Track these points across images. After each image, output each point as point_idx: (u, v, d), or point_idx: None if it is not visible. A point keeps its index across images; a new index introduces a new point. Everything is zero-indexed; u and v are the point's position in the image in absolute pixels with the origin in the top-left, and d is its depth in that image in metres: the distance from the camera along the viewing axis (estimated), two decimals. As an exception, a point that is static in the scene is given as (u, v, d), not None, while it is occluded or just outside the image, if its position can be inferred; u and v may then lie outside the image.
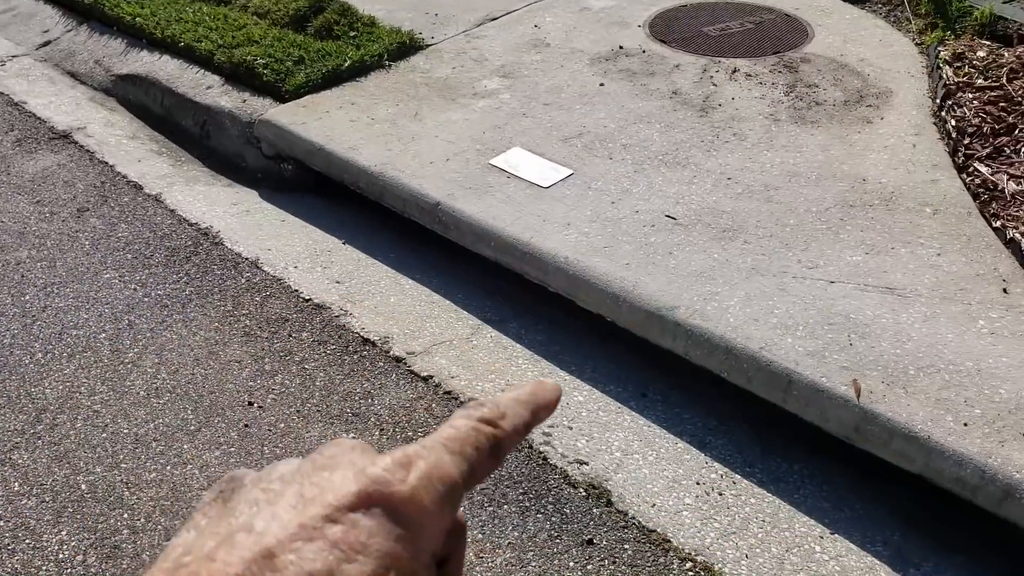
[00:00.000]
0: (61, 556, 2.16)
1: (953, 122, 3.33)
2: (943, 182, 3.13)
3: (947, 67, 3.62)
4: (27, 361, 2.76)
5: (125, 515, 2.26)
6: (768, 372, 2.44)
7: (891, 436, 2.24)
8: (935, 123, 3.45)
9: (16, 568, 2.14)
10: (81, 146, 3.92)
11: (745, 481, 2.40)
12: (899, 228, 2.91)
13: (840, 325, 2.54)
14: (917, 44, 4.03)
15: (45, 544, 2.19)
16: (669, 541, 2.20)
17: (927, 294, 2.64)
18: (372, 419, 2.56)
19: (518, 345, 2.86)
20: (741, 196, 3.10)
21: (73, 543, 2.19)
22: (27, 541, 2.20)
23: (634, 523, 2.24)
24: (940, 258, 2.78)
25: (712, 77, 3.84)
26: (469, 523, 2.24)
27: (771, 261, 2.79)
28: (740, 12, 4.42)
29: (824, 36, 4.14)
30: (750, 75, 3.84)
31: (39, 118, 4.15)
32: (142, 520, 2.25)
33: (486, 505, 2.29)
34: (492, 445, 0.40)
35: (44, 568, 2.14)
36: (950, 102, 3.43)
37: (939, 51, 3.76)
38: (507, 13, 4.54)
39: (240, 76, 3.97)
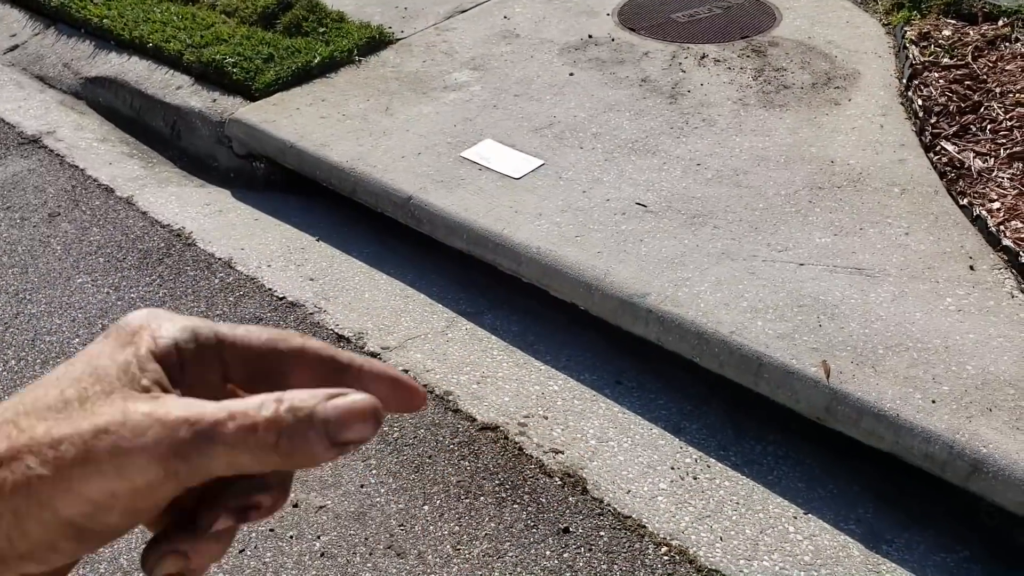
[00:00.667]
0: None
1: (920, 102, 3.35)
2: (910, 161, 3.15)
3: (913, 47, 3.65)
4: (0, 368, 2.75)
5: (102, 519, 2.26)
6: (739, 356, 2.46)
7: (861, 415, 2.27)
8: (902, 103, 3.48)
9: None
10: (51, 150, 3.90)
11: (719, 464, 2.42)
12: (867, 208, 2.94)
13: (809, 307, 2.56)
14: (884, 25, 4.06)
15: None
16: (644, 527, 2.22)
17: (895, 273, 2.66)
18: (348, 415, 2.56)
19: (493, 337, 2.87)
20: (711, 181, 3.11)
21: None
22: (4, 549, 2.20)
23: (609, 510, 2.26)
24: (908, 237, 2.81)
25: (681, 64, 3.85)
26: (446, 515, 2.25)
27: (741, 245, 2.81)
28: (709, -3, 4.43)
29: (792, 19, 4.16)
30: (719, 60, 3.85)
31: (8, 123, 4.12)
32: (119, 524, 2.25)
33: (462, 497, 2.30)
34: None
35: (21, 575, 2.14)
36: (916, 82, 3.46)
37: (905, 31, 3.79)
38: (476, 5, 4.54)
39: (209, 76, 3.95)
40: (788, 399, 2.41)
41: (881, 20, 4.09)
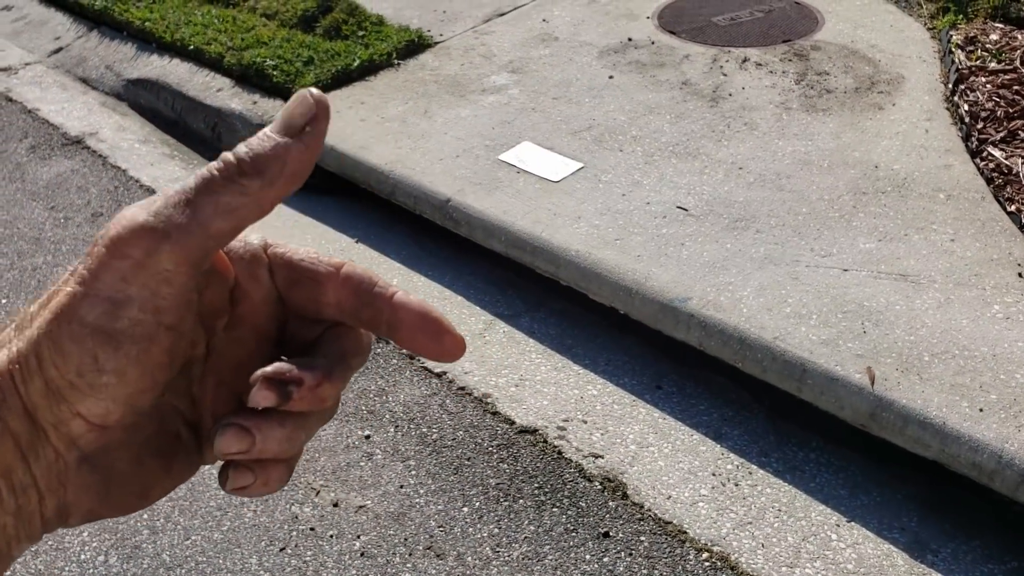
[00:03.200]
0: (83, 557, 2.19)
1: (966, 107, 3.30)
2: (956, 167, 3.10)
3: (959, 51, 3.59)
4: (46, 365, 2.79)
5: (144, 516, 2.28)
6: (782, 361, 2.43)
7: (906, 423, 2.24)
8: (947, 108, 3.43)
9: (40, 569, 2.16)
10: (94, 151, 3.96)
11: (761, 471, 2.40)
12: (912, 214, 2.90)
13: (854, 313, 2.53)
14: (929, 29, 4.00)
15: (68, 545, 2.22)
16: (685, 532, 2.20)
17: (941, 280, 2.62)
18: (387, 416, 2.57)
19: (531, 339, 2.86)
20: (753, 185, 3.09)
21: (95, 544, 2.22)
22: (49, 542, 2.22)
23: (650, 515, 2.24)
24: (954, 243, 2.76)
25: (722, 67, 3.83)
26: (485, 517, 2.25)
27: (784, 250, 2.78)
28: (749, 1, 4.40)
29: (834, 23, 4.12)
30: (760, 64, 3.82)
31: (52, 124, 4.19)
32: (161, 520, 2.27)
33: (502, 500, 2.30)
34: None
35: (67, 569, 2.16)
36: (963, 86, 3.41)
37: (951, 35, 3.73)
38: (515, 8, 4.54)
39: (250, 78, 3.99)
40: (832, 405, 2.38)
41: (926, 24, 4.04)
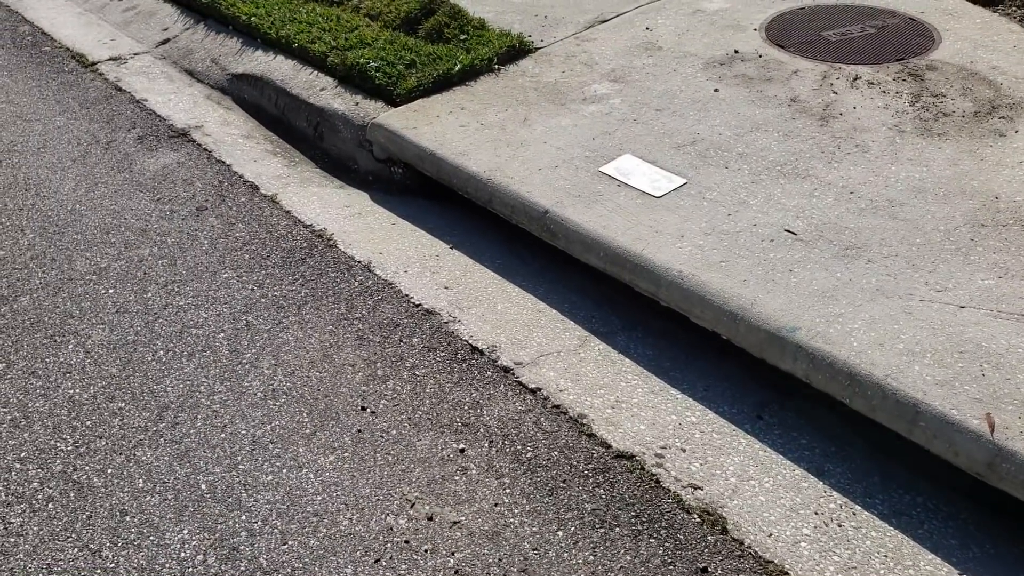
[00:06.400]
0: (183, 555, 2.23)
1: (1096, 137, 3.14)
2: (1084, 201, 2.95)
3: (1089, 77, 3.42)
4: (149, 358, 2.85)
5: (243, 517, 2.32)
6: (894, 401, 2.34)
7: (1029, 476, 2.13)
8: (1075, 137, 3.26)
9: (141, 564, 2.21)
10: (199, 144, 4.04)
11: (865, 512, 2.31)
12: (1036, 251, 2.76)
13: (971, 353, 2.42)
14: (1054, 51, 3.82)
15: (168, 542, 2.26)
16: (787, 573, 2.14)
17: (1068, 323, 2.49)
18: (481, 430, 2.56)
19: (627, 359, 2.82)
20: (864, 212, 2.98)
21: (194, 543, 2.26)
22: (151, 538, 2.27)
23: (750, 553, 2.18)
24: (1082, 284, 2.62)
25: (832, 84, 3.71)
26: (580, 543, 2.22)
27: (897, 282, 2.68)
28: (861, 16, 4.26)
29: (952, 42, 3.96)
30: (872, 83, 3.69)
31: (159, 116, 4.29)
32: (259, 523, 2.30)
33: (597, 526, 2.26)
34: None
35: (167, 566, 2.20)
36: (1092, 115, 3.24)
37: (1080, 59, 3.55)
38: (617, 15, 4.48)
39: (353, 78, 4.02)
40: (945, 451, 2.28)
41: (1050, 45, 3.85)
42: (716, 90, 3.74)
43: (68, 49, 4.97)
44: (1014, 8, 4.21)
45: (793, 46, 4.02)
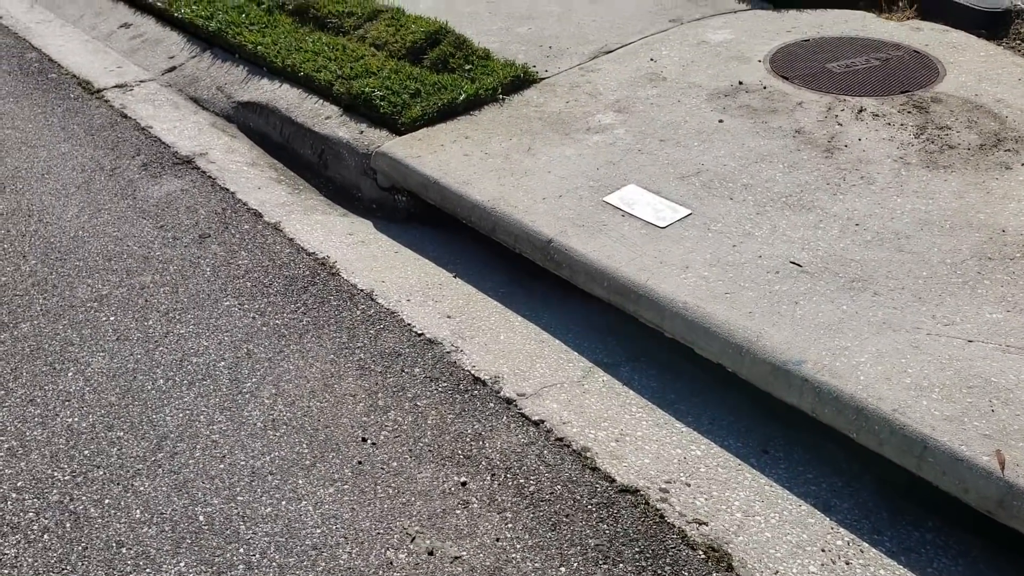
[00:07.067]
0: (179, 588, 2.19)
1: (1102, 170, 3.12)
2: (1092, 235, 2.93)
3: (1094, 110, 3.41)
4: (149, 387, 2.83)
5: (241, 549, 2.28)
6: (901, 436, 2.31)
7: (1040, 515, 2.09)
8: (1081, 170, 3.25)
9: (137, 597, 2.17)
10: (203, 172, 4.04)
11: (873, 550, 2.27)
12: (1044, 284, 2.74)
13: (980, 388, 2.39)
14: (1058, 84, 3.82)
15: (165, 574, 2.22)
16: (794, 612, 2.10)
17: (1077, 359, 2.46)
18: (483, 463, 2.53)
19: (631, 391, 2.79)
20: (870, 244, 2.97)
21: (191, 574, 2.22)
22: (148, 571, 2.23)
23: (756, 591, 2.15)
24: (1091, 319, 2.60)
25: (837, 116, 3.71)
26: (583, 579, 2.18)
27: (903, 316, 2.66)
28: (865, 48, 4.27)
29: (956, 75, 3.96)
30: (877, 115, 3.69)
31: (164, 143, 4.30)
32: (257, 556, 2.26)
33: (600, 562, 2.23)
34: None
35: (163, 599, 2.17)
36: (1098, 148, 3.23)
37: (1085, 93, 3.55)
38: (622, 46, 4.50)
39: (358, 107, 4.03)
40: (955, 487, 2.25)
41: (1055, 79, 3.86)
42: (720, 121, 3.74)
43: (74, 76, 4.99)
44: (1018, 42, 4.22)
45: (798, 78, 4.03)
